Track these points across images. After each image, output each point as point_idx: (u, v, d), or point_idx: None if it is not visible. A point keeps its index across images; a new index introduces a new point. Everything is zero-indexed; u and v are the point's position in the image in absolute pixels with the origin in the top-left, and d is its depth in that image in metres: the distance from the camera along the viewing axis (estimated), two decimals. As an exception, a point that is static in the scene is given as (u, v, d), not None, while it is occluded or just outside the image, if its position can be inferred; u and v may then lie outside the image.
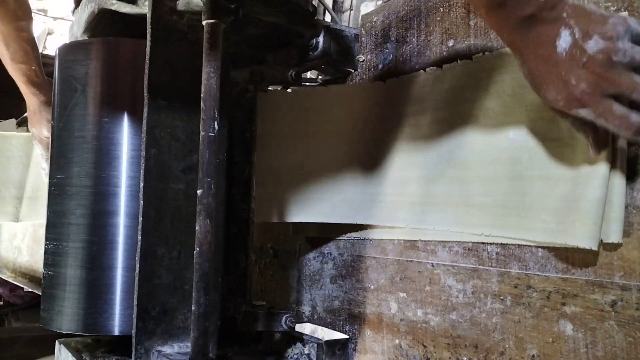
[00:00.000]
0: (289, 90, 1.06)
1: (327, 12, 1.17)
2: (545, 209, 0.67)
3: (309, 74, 1.84)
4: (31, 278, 1.25)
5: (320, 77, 1.29)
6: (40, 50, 1.26)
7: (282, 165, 1.11)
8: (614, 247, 0.61)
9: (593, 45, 0.53)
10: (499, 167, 0.73)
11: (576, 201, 0.62)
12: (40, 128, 1.19)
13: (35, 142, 1.23)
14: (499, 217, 0.72)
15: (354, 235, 0.97)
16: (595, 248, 0.60)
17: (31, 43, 1.18)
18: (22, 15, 1.13)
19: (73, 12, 0.97)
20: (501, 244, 0.73)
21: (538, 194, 0.68)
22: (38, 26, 4.29)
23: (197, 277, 0.65)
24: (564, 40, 0.55)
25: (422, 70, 0.86)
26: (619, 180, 0.60)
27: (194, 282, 0.66)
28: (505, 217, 0.71)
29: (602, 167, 0.61)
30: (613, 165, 0.61)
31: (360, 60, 1.00)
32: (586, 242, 0.61)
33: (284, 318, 0.93)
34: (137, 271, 0.71)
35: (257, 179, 0.98)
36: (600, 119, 0.55)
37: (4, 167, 1.51)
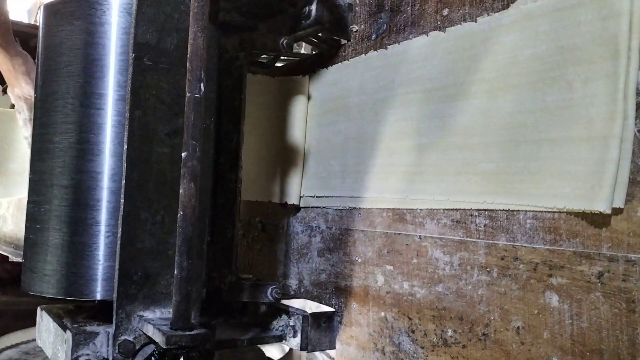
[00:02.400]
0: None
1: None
2: (553, 173, 0.65)
3: (302, 49, 1.82)
4: (16, 246, 1.24)
5: (313, 50, 1.27)
6: (32, 21, 1.23)
7: (270, 144, 1.10)
8: (602, 217, 0.60)
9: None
10: (503, 133, 0.71)
11: (597, 164, 0.60)
12: (20, 85, 1.17)
13: (20, 103, 1.21)
14: (503, 184, 0.70)
15: (347, 203, 0.96)
16: (609, 211, 0.59)
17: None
18: None
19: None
20: (490, 216, 0.72)
21: (545, 158, 0.66)
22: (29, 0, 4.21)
23: (179, 240, 0.64)
24: None
25: (413, 40, 0.85)
26: (628, 144, 0.59)
27: (177, 246, 0.64)
28: (511, 183, 0.69)
29: (617, 127, 0.59)
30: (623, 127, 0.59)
31: (354, 30, 0.98)
32: (605, 205, 0.59)
33: (269, 289, 0.92)
34: (119, 235, 0.70)
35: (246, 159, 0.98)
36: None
37: None
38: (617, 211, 0.59)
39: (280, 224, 1.15)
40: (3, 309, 2.49)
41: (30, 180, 0.79)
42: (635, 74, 0.59)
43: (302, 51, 1.90)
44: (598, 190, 0.59)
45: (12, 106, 1.60)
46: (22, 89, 1.16)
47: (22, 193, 1.40)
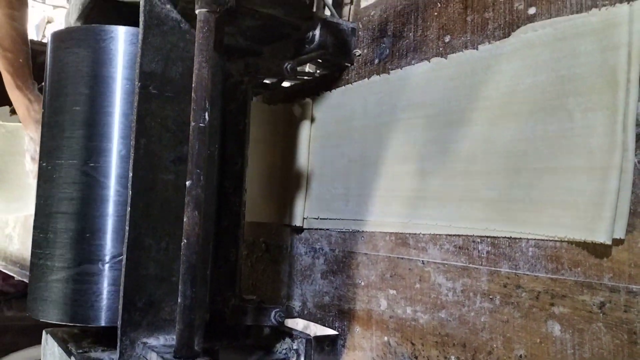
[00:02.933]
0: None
1: (325, 5, 1.16)
2: (554, 203, 0.65)
3: (307, 68, 1.83)
4: (22, 266, 1.25)
5: (318, 71, 1.28)
6: (39, 38, 1.25)
7: (273, 167, 1.11)
8: (604, 248, 0.60)
9: None
10: (504, 160, 0.72)
11: (597, 195, 0.60)
12: (32, 130, 1.18)
13: (30, 143, 1.22)
14: (505, 212, 0.71)
15: (350, 226, 0.96)
16: (610, 242, 0.59)
17: (21, 35, 1.16)
18: (15, 4, 1.12)
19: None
20: (492, 243, 0.72)
21: (546, 187, 0.66)
22: (38, 15, 4.27)
23: (183, 269, 0.65)
24: None
25: (415, 65, 0.85)
26: (628, 174, 0.59)
27: (180, 274, 0.65)
28: (512, 211, 0.70)
29: (616, 158, 0.59)
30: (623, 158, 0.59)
31: (357, 54, 0.99)
32: (606, 237, 0.59)
33: (273, 313, 0.92)
34: (124, 262, 0.70)
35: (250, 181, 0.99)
36: None
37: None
38: (618, 242, 0.59)
39: (284, 245, 1.15)
40: (9, 324, 2.50)
41: (36, 206, 0.80)
42: (635, 106, 0.59)
43: (307, 69, 1.92)
44: (598, 220, 0.60)
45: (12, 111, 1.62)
46: (34, 134, 1.18)
47: (23, 208, 1.41)
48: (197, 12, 0.68)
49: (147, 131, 0.72)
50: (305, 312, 1.06)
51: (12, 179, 1.56)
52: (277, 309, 0.93)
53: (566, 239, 0.64)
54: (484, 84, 0.75)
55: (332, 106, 1.04)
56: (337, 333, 0.96)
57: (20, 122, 1.37)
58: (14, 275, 1.31)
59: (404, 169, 0.87)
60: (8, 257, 1.35)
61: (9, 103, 1.65)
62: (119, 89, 0.77)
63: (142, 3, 0.74)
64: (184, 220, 0.65)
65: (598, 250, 0.61)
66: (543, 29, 0.69)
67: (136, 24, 0.74)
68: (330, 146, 1.03)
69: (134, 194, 0.71)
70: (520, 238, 0.69)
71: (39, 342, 0.91)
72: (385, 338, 0.87)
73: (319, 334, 0.99)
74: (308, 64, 1.65)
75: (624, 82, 0.60)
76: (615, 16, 0.61)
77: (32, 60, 1.29)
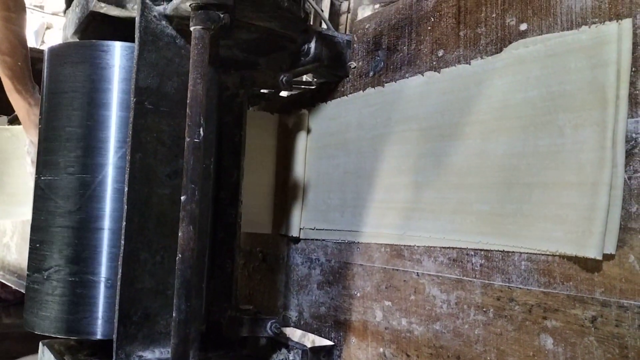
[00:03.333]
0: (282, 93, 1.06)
1: (320, 18, 1.17)
2: (545, 217, 0.66)
3: (304, 77, 1.84)
4: (19, 276, 1.25)
5: (315, 79, 1.29)
6: (38, 45, 1.25)
7: (269, 177, 1.12)
8: (595, 262, 0.61)
9: None
10: (496, 174, 0.72)
11: (587, 210, 0.61)
12: (32, 135, 1.17)
13: (31, 147, 1.22)
14: (497, 225, 0.72)
15: (346, 237, 0.96)
16: (600, 258, 0.60)
17: (19, 37, 1.15)
18: (12, 7, 1.10)
19: (64, 12, 0.97)
20: (485, 256, 0.73)
21: (537, 201, 0.67)
22: (36, 21, 4.28)
23: (178, 283, 0.65)
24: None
25: (409, 79, 0.86)
26: (618, 191, 0.60)
27: (175, 289, 0.66)
28: (504, 224, 0.71)
29: (606, 174, 0.60)
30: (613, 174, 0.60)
31: (352, 66, 1.00)
32: (596, 252, 0.60)
33: (269, 324, 0.93)
34: (119, 276, 0.71)
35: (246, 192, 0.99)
36: None
37: None
38: (608, 257, 0.60)
39: (280, 255, 1.15)
40: (7, 331, 2.49)
41: (33, 219, 0.80)
42: (624, 123, 0.60)
43: (305, 78, 1.93)
44: (589, 236, 0.60)
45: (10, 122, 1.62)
46: (34, 138, 1.18)
47: (21, 213, 1.40)
48: (191, 29, 0.69)
49: (142, 146, 0.73)
50: (302, 322, 1.07)
51: (19, 183, 1.55)
52: (273, 320, 0.93)
53: (557, 254, 0.64)
54: (476, 99, 0.76)
55: (328, 117, 1.05)
56: (333, 344, 0.97)
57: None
58: (12, 286, 1.32)
59: (399, 181, 0.87)
60: (6, 267, 1.36)
61: (8, 111, 1.66)
62: (115, 104, 0.78)
63: (137, 19, 0.74)
64: (179, 235, 0.66)
65: (589, 265, 0.62)
66: (534, 45, 0.69)
67: (132, 40, 0.75)
68: (326, 157, 1.04)
69: (129, 208, 0.71)
70: (513, 251, 0.69)
71: (37, 351, 0.91)
72: (381, 349, 0.88)
73: (315, 343, 0.99)
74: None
75: (613, 99, 0.60)
76: (604, 34, 0.61)
77: (31, 66, 1.28)
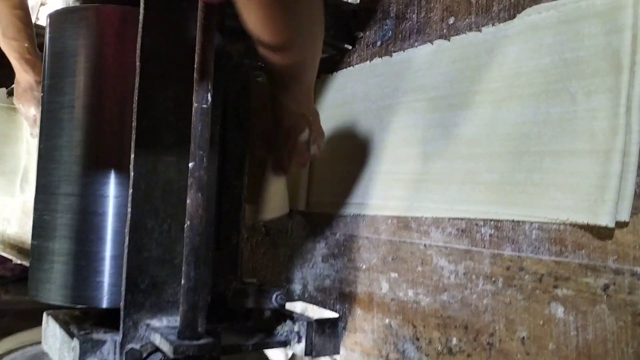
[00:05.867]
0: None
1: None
2: (556, 185, 0.65)
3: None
4: (20, 250, 1.24)
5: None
6: (33, 20, 1.24)
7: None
8: (608, 230, 0.61)
9: (313, 149, 0.89)
10: (507, 143, 0.71)
11: (599, 178, 0.60)
12: (29, 107, 1.17)
13: (23, 118, 1.22)
14: (507, 194, 0.71)
15: (352, 210, 0.96)
16: (613, 225, 0.59)
17: (24, 19, 1.16)
18: None
19: (65, -22, 0.95)
20: (495, 226, 0.72)
21: (548, 170, 0.66)
22: (31, -3, 4.21)
23: (187, 250, 0.64)
24: (304, 136, 0.87)
25: (418, 48, 0.85)
26: (633, 157, 0.59)
27: (184, 256, 0.65)
28: (514, 194, 0.70)
29: (619, 141, 0.59)
30: (627, 141, 0.59)
31: (359, 36, 0.98)
32: (608, 219, 0.59)
33: (274, 296, 0.92)
34: (126, 244, 0.70)
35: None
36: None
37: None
38: (622, 224, 0.59)
39: (284, 229, 1.15)
40: (6, 308, 2.50)
41: (37, 187, 0.79)
42: (642, 88, 0.59)
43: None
44: (601, 203, 0.60)
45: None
46: (28, 112, 1.17)
47: (19, 192, 1.40)
48: (199, -9, 0.67)
49: (148, 112, 0.72)
50: (306, 295, 1.07)
51: (7, 163, 1.54)
52: (278, 292, 0.93)
53: (568, 222, 0.64)
54: (487, 67, 0.75)
55: (334, 89, 1.03)
56: (337, 316, 0.97)
57: None
58: (12, 259, 1.31)
59: (406, 152, 0.86)
60: (6, 241, 1.35)
61: (6, 85, 1.64)
62: (120, 69, 0.76)
63: (143, -18, 0.72)
64: (187, 202, 0.65)
65: (602, 233, 0.61)
66: (547, 11, 0.68)
67: (137, 4, 0.73)
68: (332, 129, 1.02)
69: (135, 175, 0.70)
70: (524, 221, 0.69)
71: (36, 326, 0.91)
72: (387, 320, 0.88)
73: (320, 316, 0.99)
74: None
75: (628, 64, 0.59)
76: None
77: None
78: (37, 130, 1.16)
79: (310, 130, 0.86)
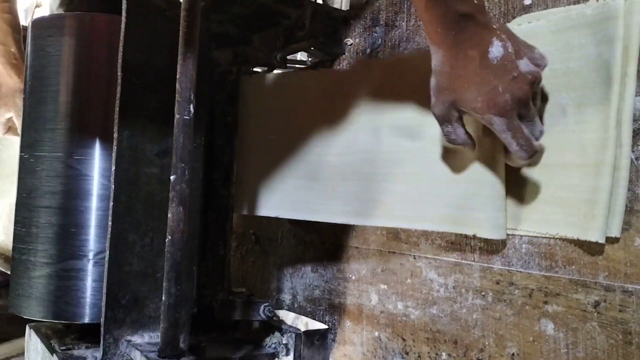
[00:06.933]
0: (276, 71, 1.03)
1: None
2: (546, 199, 0.64)
3: (298, 56, 1.80)
4: (6, 258, 1.22)
5: (310, 59, 1.26)
6: (28, 22, 1.22)
7: (261, 155, 1.08)
8: (599, 246, 0.59)
9: (524, 65, 0.58)
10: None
11: (589, 192, 0.59)
12: (7, 111, 1.15)
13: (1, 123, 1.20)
14: None
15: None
16: (603, 241, 0.58)
17: (12, 24, 1.15)
18: None
19: (50, -16, 0.93)
20: (484, 239, 0.71)
21: (537, 183, 0.65)
22: (26, -1, 4.19)
23: (168, 266, 0.63)
24: (497, 49, 0.57)
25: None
26: (623, 172, 0.57)
27: (164, 272, 0.63)
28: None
29: (609, 155, 0.58)
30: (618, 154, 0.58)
31: (349, 43, 0.97)
32: (598, 235, 0.58)
33: (262, 307, 0.91)
34: (107, 258, 0.68)
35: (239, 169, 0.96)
36: (508, 132, 0.58)
37: None
38: (613, 240, 0.58)
39: (274, 237, 1.13)
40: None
41: (18, 199, 0.78)
42: (632, 101, 0.57)
43: (299, 57, 1.89)
44: (591, 219, 0.58)
45: None
46: (8, 119, 1.15)
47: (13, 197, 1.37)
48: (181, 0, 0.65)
49: (130, 123, 0.70)
50: (296, 305, 1.05)
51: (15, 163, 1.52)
52: (266, 303, 0.91)
53: (558, 237, 0.62)
54: None
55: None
56: (327, 327, 0.95)
57: None
58: None
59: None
60: (-7, 248, 1.33)
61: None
62: (103, 79, 0.75)
63: (125, -10, 0.71)
64: (169, 216, 0.63)
65: (593, 248, 0.60)
66: (537, 20, 0.67)
67: (119, 12, 0.72)
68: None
69: (116, 188, 0.69)
70: (514, 234, 0.67)
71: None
72: (376, 333, 0.86)
73: (309, 327, 0.98)
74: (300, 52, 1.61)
75: (619, 76, 0.58)
76: (610, 9, 0.59)
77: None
78: (8, 135, 1.15)
79: (502, 40, 0.57)
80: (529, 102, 0.58)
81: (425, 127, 0.75)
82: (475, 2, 0.56)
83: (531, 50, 0.60)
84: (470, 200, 0.69)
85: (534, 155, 0.59)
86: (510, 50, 0.57)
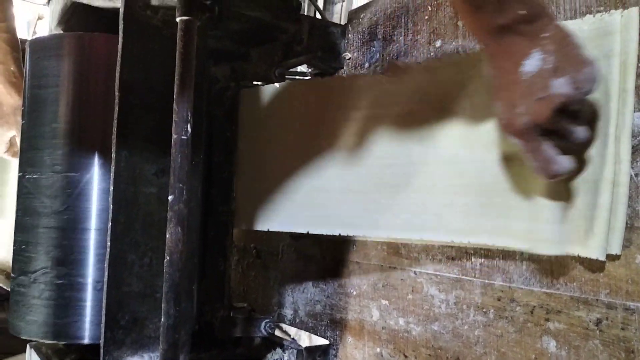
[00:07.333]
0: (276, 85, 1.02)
1: (314, 7, 1.14)
2: (545, 216, 0.63)
3: (298, 68, 1.81)
4: (7, 275, 1.22)
5: (310, 70, 1.26)
6: (30, 36, 1.23)
7: (260, 170, 1.08)
8: (599, 263, 0.59)
9: (560, 85, 0.51)
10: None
11: (589, 209, 0.58)
12: (8, 130, 1.15)
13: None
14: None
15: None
16: (603, 258, 0.57)
17: (11, 42, 1.15)
18: (1, 17, 1.10)
19: (48, 3, 0.94)
20: (485, 255, 0.70)
21: (535, 200, 0.64)
22: (29, 11, 4.21)
23: (166, 287, 0.63)
24: (532, 63, 0.52)
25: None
26: (623, 188, 0.57)
27: (163, 293, 0.63)
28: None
29: (608, 171, 0.57)
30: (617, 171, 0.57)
31: (347, 58, 0.97)
32: (598, 252, 0.57)
33: (263, 323, 0.90)
34: (105, 279, 0.68)
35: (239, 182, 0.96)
36: (528, 154, 0.55)
37: None
38: (614, 257, 0.57)
39: (274, 251, 1.13)
40: (2, 326, 2.46)
41: (16, 219, 0.78)
42: (631, 117, 0.57)
43: (299, 68, 1.89)
44: (591, 236, 0.58)
45: None
46: (5, 137, 1.15)
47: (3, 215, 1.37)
48: (177, 19, 0.65)
49: (128, 143, 0.70)
50: (297, 320, 1.05)
51: (4, 187, 1.52)
52: (267, 320, 0.91)
53: (558, 254, 0.62)
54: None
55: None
56: (329, 343, 0.95)
57: None
58: (0, 285, 1.29)
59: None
60: (-5, 265, 1.33)
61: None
62: (101, 99, 0.75)
63: (121, 9, 0.71)
64: (167, 237, 0.63)
65: (594, 265, 0.59)
66: None
67: (117, 31, 0.72)
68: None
69: (115, 208, 0.68)
70: (514, 251, 0.67)
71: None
72: (378, 349, 0.85)
73: (311, 342, 0.97)
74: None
75: (617, 92, 0.58)
76: (606, 24, 0.58)
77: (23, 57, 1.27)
78: (7, 155, 1.15)
79: (544, 53, 0.52)
80: (555, 124, 0.53)
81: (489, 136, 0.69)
82: (521, 12, 0.51)
83: (579, 69, 0.52)
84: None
85: (555, 178, 0.56)
86: (548, 66, 0.51)
